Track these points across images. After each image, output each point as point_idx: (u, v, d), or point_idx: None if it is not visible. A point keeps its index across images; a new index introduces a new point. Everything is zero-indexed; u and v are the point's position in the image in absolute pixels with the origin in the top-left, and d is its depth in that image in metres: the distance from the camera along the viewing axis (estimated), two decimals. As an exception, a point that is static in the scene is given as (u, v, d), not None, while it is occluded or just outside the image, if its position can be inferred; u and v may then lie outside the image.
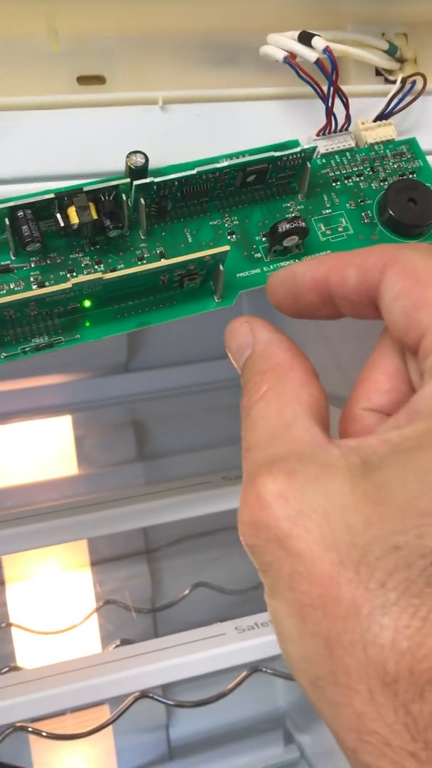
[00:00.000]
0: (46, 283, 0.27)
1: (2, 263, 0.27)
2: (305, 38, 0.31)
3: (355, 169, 0.32)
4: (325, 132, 0.32)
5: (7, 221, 0.26)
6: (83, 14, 0.33)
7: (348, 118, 0.32)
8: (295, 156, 0.29)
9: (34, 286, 0.27)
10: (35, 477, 0.73)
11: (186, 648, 0.44)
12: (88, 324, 0.28)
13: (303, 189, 0.31)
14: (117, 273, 0.26)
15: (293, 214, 0.30)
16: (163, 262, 0.26)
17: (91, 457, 0.76)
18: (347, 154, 0.32)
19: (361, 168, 0.32)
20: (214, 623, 0.48)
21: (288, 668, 0.18)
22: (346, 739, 0.15)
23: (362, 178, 0.32)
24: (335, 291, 0.21)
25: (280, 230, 0.28)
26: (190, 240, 0.29)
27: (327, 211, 0.31)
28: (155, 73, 0.34)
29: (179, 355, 0.79)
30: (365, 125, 0.33)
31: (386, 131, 0.33)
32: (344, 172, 0.32)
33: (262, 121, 0.33)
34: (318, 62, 0.30)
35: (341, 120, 0.32)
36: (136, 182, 0.27)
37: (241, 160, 0.29)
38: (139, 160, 0.28)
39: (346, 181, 0.31)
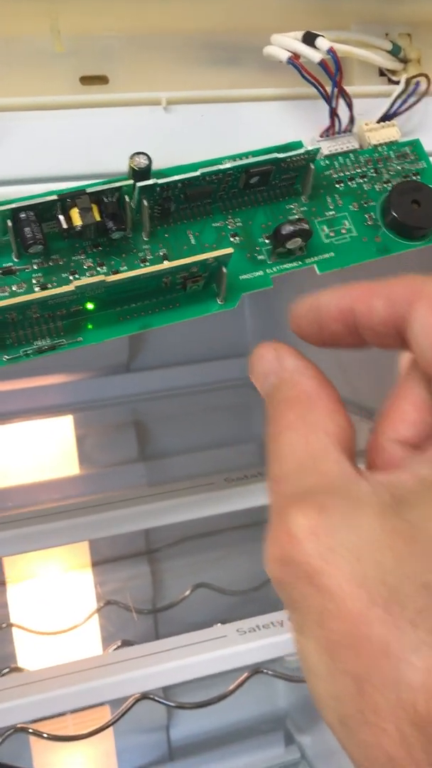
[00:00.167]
0: (49, 286, 0.27)
1: (4, 265, 0.27)
2: (309, 39, 0.31)
3: (359, 170, 0.32)
4: (328, 133, 0.32)
5: (9, 223, 0.26)
6: (86, 14, 0.33)
7: (352, 119, 0.32)
8: (298, 157, 0.29)
9: (36, 288, 0.27)
10: (36, 477, 0.73)
11: (188, 650, 0.44)
12: (90, 326, 0.28)
13: (306, 190, 0.30)
14: (120, 275, 0.26)
15: (296, 216, 0.30)
16: (167, 265, 0.26)
17: (93, 457, 0.76)
18: (351, 155, 0.32)
19: (365, 169, 0.32)
20: (215, 624, 0.48)
21: (315, 705, 0.17)
22: None
23: (366, 179, 0.32)
24: (361, 321, 0.21)
25: (283, 232, 0.28)
26: (193, 242, 0.29)
27: (330, 213, 0.31)
28: (158, 73, 0.34)
29: (181, 355, 0.79)
30: (369, 126, 0.32)
31: (390, 132, 0.32)
32: (348, 173, 0.32)
33: (265, 122, 0.32)
34: (322, 63, 0.30)
35: (345, 121, 0.32)
36: (139, 184, 0.27)
37: (245, 161, 0.29)
38: (143, 161, 0.28)
39: (349, 183, 0.31)
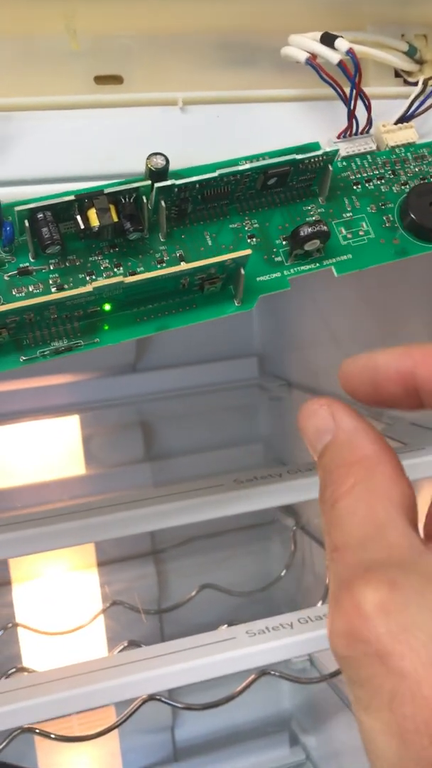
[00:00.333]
0: (65, 286, 0.27)
1: (21, 265, 0.27)
2: (328, 39, 0.30)
3: (376, 172, 0.31)
4: (346, 134, 0.31)
5: (27, 223, 0.26)
6: (102, 13, 0.33)
7: (369, 120, 0.31)
8: (316, 159, 0.29)
9: (53, 289, 0.27)
10: (43, 477, 0.73)
11: (197, 652, 0.43)
12: (107, 327, 0.27)
13: (324, 192, 0.30)
14: (139, 276, 0.26)
15: (315, 218, 0.30)
16: (185, 266, 0.26)
17: (99, 457, 0.76)
18: (368, 157, 0.32)
19: (382, 171, 0.32)
20: (220, 625, 0.48)
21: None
22: None
23: (383, 181, 0.31)
24: (424, 387, 0.20)
25: (302, 234, 0.28)
26: (209, 243, 0.29)
27: (348, 215, 0.31)
28: (174, 74, 0.34)
29: (187, 355, 0.78)
30: (386, 128, 0.32)
31: (407, 134, 0.32)
32: (365, 175, 0.31)
33: (281, 123, 0.32)
34: (341, 64, 0.30)
35: (362, 122, 0.31)
36: (157, 185, 0.27)
37: (263, 162, 0.28)
38: (160, 162, 0.28)
39: (367, 185, 0.31)
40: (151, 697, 0.47)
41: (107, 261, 0.28)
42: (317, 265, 0.30)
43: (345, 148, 0.31)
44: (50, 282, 0.27)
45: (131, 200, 0.27)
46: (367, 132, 0.32)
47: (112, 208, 0.27)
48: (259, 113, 0.32)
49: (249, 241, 0.29)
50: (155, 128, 0.31)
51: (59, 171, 0.30)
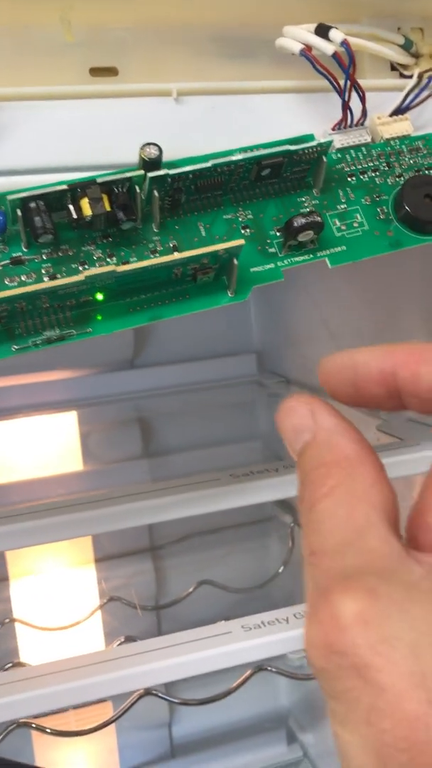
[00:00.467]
0: (58, 276, 0.27)
1: (14, 255, 0.27)
2: (322, 31, 0.30)
3: (371, 164, 0.31)
4: (340, 126, 0.31)
5: (19, 212, 0.26)
6: (97, 5, 0.33)
7: (364, 112, 0.31)
8: (311, 150, 0.29)
9: (45, 278, 0.27)
10: (40, 472, 0.72)
11: (193, 646, 0.43)
12: (99, 317, 0.27)
13: (318, 184, 0.30)
14: (131, 265, 0.26)
15: (308, 209, 0.30)
16: (177, 256, 0.26)
17: (97, 453, 0.76)
18: (363, 149, 0.32)
19: (377, 163, 0.31)
20: (218, 621, 0.48)
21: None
22: None
23: (378, 173, 0.31)
24: (405, 388, 0.19)
25: (295, 225, 0.28)
26: (203, 233, 0.29)
27: (342, 207, 0.30)
28: (169, 65, 0.34)
29: (185, 351, 0.78)
30: (381, 120, 0.32)
31: (402, 126, 0.32)
32: (360, 167, 0.31)
33: (276, 115, 0.32)
34: (335, 55, 0.30)
35: (357, 114, 0.31)
36: (150, 174, 0.27)
37: (256, 153, 0.28)
38: (153, 151, 0.28)
39: (361, 177, 0.31)
40: (148, 692, 0.47)
41: (100, 251, 0.28)
42: (311, 256, 0.30)
43: (340, 140, 0.31)
44: (43, 271, 0.27)
45: (124, 190, 0.27)
46: (362, 124, 0.32)
47: (105, 197, 0.27)
48: (253, 105, 0.32)
49: (243, 231, 0.29)
50: (150, 119, 0.31)
51: (53, 161, 0.30)
